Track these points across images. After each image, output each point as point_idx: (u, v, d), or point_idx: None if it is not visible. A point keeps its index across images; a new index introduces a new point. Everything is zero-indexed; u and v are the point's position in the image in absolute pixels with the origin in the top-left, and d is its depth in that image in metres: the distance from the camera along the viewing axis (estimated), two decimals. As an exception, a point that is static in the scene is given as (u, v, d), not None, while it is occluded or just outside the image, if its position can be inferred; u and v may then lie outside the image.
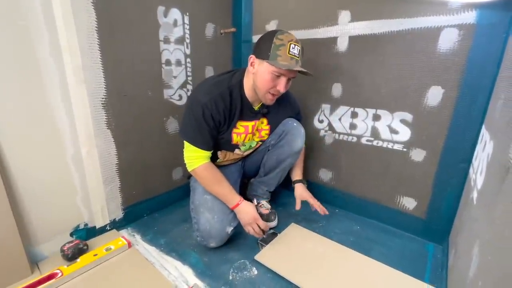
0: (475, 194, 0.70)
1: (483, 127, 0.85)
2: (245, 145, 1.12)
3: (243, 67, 1.46)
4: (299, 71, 0.90)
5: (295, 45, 0.88)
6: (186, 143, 0.98)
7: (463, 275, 0.59)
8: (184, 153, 1.00)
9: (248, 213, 0.99)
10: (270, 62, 0.87)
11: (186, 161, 1.00)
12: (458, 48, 0.90)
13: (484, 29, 0.84)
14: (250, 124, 1.05)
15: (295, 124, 1.11)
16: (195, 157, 0.97)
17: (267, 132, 1.13)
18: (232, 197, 1.00)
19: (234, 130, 1.02)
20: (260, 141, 1.16)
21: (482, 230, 0.54)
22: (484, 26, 0.84)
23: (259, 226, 0.99)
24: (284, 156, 1.13)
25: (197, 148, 0.96)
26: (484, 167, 0.66)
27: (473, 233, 0.61)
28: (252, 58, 0.92)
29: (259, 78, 0.91)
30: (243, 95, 0.99)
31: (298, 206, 1.14)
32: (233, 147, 1.09)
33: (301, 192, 1.15)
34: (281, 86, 0.91)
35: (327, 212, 1.10)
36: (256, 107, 1.04)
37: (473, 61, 0.87)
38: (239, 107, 0.98)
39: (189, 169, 1.00)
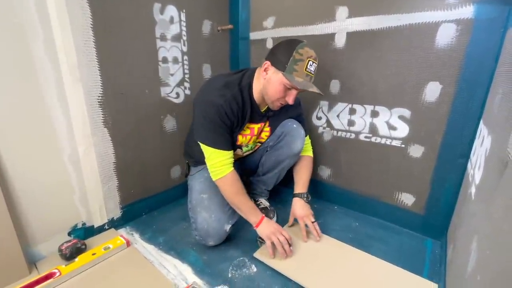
0: (473, 189, 0.70)
1: (481, 122, 0.85)
2: (247, 146, 1.11)
3: (240, 64, 1.49)
4: None
5: (313, 62, 0.88)
6: (206, 149, 0.94)
7: (462, 270, 0.59)
8: (207, 161, 0.95)
9: (272, 224, 0.97)
10: (286, 75, 0.86)
11: (211, 170, 0.95)
12: (456, 43, 0.89)
13: (482, 24, 0.84)
14: (256, 126, 1.05)
15: (294, 125, 1.09)
16: (221, 163, 0.93)
17: (268, 134, 1.12)
18: (255, 212, 0.97)
19: (241, 132, 1.02)
20: (259, 142, 1.15)
21: (480, 225, 0.54)
22: (482, 20, 0.83)
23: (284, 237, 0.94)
24: (283, 157, 1.11)
25: (219, 151, 0.92)
26: (482, 162, 0.66)
27: (471, 228, 0.61)
28: (267, 64, 0.91)
29: (271, 86, 0.91)
30: (252, 97, 0.98)
31: (290, 223, 1.11)
32: (236, 147, 1.08)
33: (295, 209, 1.07)
34: (291, 98, 0.92)
35: (319, 236, 1.03)
36: (262, 110, 1.04)
37: (471, 56, 0.87)
38: (249, 109, 0.98)
39: (215, 178, 0.95)
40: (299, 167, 1.16)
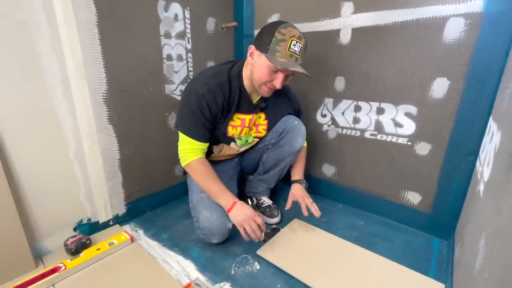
0: (481, 187, 0.68)
1: (491, 118, 0.83)
2: (241, 139, 1.09)
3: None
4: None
5: (296, 41, 0.83)
6: (181, 136, 0.95)
7: (469, 268, 0.58)
8: (179, 146, 0.97)
9: (245, 209, 0.91)
10: (268, 57, 0.83)
11: (180, 155, 0.97)
12: (465, 38, 0.87)
13: (492, 17, 0.81)
14: (247, 117, 1.03)
15: (296, 122, 1.09)
16: (190, 150, 0.94)
17: (265, 127, 1.11)
18: (226, 196, 0.93)
19: (230, 122, 1.00)
20: (257, 137, 1.13)
21: (488, 222, 0.52)
22: (492, 14, 0.81)
23: (257, 225, 0.91)
24: (285, 155, 1.11)
25: (193, 140, 0.93)
26: (491, 158, 0.64)
27: (479, 225, 0.59)
28: (251, 48, 0.89)
29: (256, 70, 0.88)
30: (242, 86, 0.97)
31: (288, 205, 1.08)
32: (228, 139, 1.06)
33: (293, 191, 1.09)
34: (278, 82, 0.88)
35: (319, 213, 1.01)
36: (254, 101, 1.02)
37: (480, 50, 0.85)
38: (237, 99, 0.96)
39: (183, 164, 0.96)
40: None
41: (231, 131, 1.02)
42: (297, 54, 0.84)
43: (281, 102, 1.08)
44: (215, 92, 0.90)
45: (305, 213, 1.04)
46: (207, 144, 0.98)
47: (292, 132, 1.08)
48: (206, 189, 0.96)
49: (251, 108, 1.02)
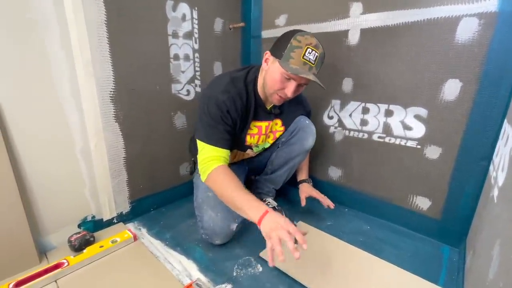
0: (495, 192, 0.65)
1: (505, 121, 0.80)
2: (258, 147, 1.10)
3: (252, 63, 1.48)
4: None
5: (312, 50, 0.81)
6: (201, 146, 0.88)
7: (482, 277, 0.55)
8: (199, 158, 0.88)
9: (280, 218, 0.71)
10: (281, 63, 0.82)
11: (200, 167, 0.86)
12: (478, 39, 0.84)
13: (507, 17, 0.79)
14: (263, 124, 1.03)
15: (307, 121, 1.10)
16: (210, 158, 0.85)
17: (282, 133, 1.12)
18: (255, 205, 0.75)
19: (248, 131, 1.00)
20: (273, 141, 1.14)
21: (503, 228, 0.49)
22: (507, 13, 0.78)
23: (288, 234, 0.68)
24: (294, 154, 1.11)
25: (215, 148, 0.86)
26: (506, 162, 0.61)
27: (493, 232, 0.56)
28: (267, 54, 0.88)
29: (269, 77, 0.87)
30: (257, 93, 0.96)
31: (303, 203, 1.13)
32: (245, 147, 1.07)
33: (305, 189, 1.15)
34: (289, 90, 0.85)
35: (332, 205, 1.08)
36: (268, 107, 1.01)
37: (495, 51, 0.82)
38: (253, 106, 0.95)
39: (203, 176, 0.85)
40: None
41: (249, 140, 1.02)
42: (311, 63, 0.81)
43: (294, 107, 1.08)
44: (235, 99, 0.88)
45: (332, 205, 1.08)
46: (228, 152, 0.90)
47: (304, 131, 1.08)
48: (230, 201, 0.80)
49: (266, 115, 1.02)
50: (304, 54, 0.80)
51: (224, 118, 0.87)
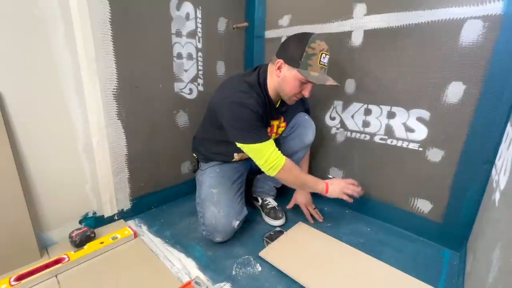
0: (497, 196, 0.65)
1: (508, 124, 0.79)
2: None
3: (255, 63, 1.48)
4: None
5: (326, 54, 0.88)
6: (252, 148, 0.90)
7: (482, 281, 0.55)
8: (259, 161, 0.92)
9: (336, 184, 1.00)
10: (301, 72, 0.87)
11: (268, 167, 0.91)
12: (483, 41, 0.84)
13: (511, 20, 0.78)
14: (275, 123, 1.07)
15: (306, 117, 1.13)
16: (276, 155, 0.92)
17: (284, 129, 1.14)
18: (319, 181, 1.00)
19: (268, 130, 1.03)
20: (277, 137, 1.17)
21: (504, 232, 0.49)
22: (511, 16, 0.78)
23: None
24: (295, 149, 1.12)
25: (265, 143, 0.90)
26: (509, 165, 0.61)
27: (494, 235, 0.56)
28: (280, 62, 0.90)
29: (287, 84, 0.91)
30: (268, 94, 0.98)
31: (289, 206, 1.20)
32: None
33: (297, 197, 1.18)
34: (307, 92, 0.93)
35: (321, 218, 1.16)
36: (277, 106, 1.04)
37: (499, 54, 0.81)
38: (268, 106, 0.98)
39: (275, 171, 0.92)
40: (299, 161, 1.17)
41: None
42: (326, 66, 0.90)
43: (295, 104, 1.08)
44: (259, 101, 0.92)
45: (311, 220, 1.15)
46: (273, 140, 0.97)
47: (304, 126, 1.11)
48: (301, 184, 1.00)
49: (277, 114, 1.06)
50: (320, 60, 0.87)
51: (258, 118, 0.91)
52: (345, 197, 0.99)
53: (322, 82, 0.87)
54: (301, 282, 0.83)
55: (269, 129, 1.05)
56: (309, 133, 1.10)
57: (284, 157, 0.94)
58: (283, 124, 1.12)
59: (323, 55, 0.87)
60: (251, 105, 0.88)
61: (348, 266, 0.91)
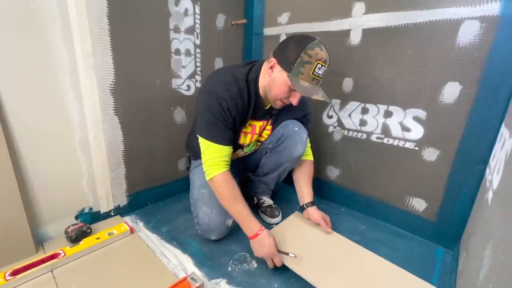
0: (490, 195, 0.66)
1: (503, 125, 0.80)
2: (249, 146, 1.08)
3: (256, 59, 1.47)
4: None
5: (322, 65, 0.81)
6: (204, 143, 0.89)
7: (473, 279, 0.56)
8: (202, 157, 0.90)
9: (265, 246, 0.85)
10: (291, 78, 0.81)
11: (205, 168, 0.90)
12: (479, 42, 0.84)
13: (508, 21, 0.79)
14: (258, 124, 1.01)
15: (296, 128, 1.02)
16: (213, 163, 0.88)
17: (269, 133, 1.07)
18: (251, 223, 0.87)
19: (243, 129, 0.99)
20: (259, 141, 1.11)
21: (496, 230, 0.50)
22: (508, 17, 0.78)
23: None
24: (283, 161, 1.06)
25: (216, 147, 0.87)
26: (502, 165, 0.62)
27: (486, 234, 0.57)
28: (273, 62, 0.85)
29: (275, 86, 0.86)
30: (258, 92, 0.93)
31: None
32: (237, 146, 1.04)
33: (312, 214, 1.03)
34: (295, 100, 0.87)
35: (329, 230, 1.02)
36: (267, 107, 0.99)
37: (496, 55, 0.82)
38: (253, 104, 0.93)
39: (207, 178, 0.90)
40: (301, 174, 1.09)
41: (242, 139, 1.01)
42: (319, 77, 0.83)
43: (289, 108, 0.99)
44: (237, 98, 0.87)
45: (330, 229, 1.01)
46: (231, 149, 0.91)
47: (291, 139, 1.02)
48: (229, 210, 0.90)
49: (263, 115, 1.00)
50: (314, 70, 0.80)
51: (224, 115, 0.86)
52: (269, 262, 0.86)
53: (308, 95, 0.81)
54: (298, 272, 0.83)
55: (250, 129, 1.00)
56: (298, 147, 1.01)
57: (224, 171, 0.88)
58: (269, 127, 1.05)
59: (319, 65, 0.80)
60: (224, 100, 0.84)
61: (345, 257, 0.91)
